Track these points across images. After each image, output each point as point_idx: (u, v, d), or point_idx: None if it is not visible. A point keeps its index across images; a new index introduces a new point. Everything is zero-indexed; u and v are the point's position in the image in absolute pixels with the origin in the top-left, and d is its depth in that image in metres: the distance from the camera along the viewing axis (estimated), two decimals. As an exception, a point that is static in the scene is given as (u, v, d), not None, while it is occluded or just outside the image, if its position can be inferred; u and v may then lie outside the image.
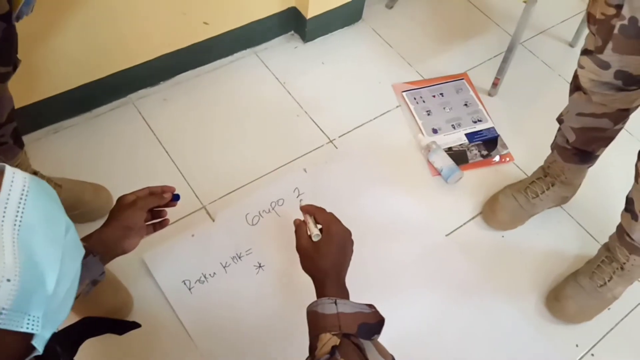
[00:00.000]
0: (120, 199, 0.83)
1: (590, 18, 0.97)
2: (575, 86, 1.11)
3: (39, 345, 0.35)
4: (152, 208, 0.86)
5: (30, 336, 0.35)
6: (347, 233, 0.88)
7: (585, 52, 1.02)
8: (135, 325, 0.66)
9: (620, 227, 1.16)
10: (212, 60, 1.54)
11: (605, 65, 0.98)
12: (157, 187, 0.86)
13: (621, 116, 1.10)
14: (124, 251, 0.81)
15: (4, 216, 0.32)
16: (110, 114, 1.41)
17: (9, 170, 0.34)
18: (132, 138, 1.37)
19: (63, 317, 0.38)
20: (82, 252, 0.42)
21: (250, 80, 1.53)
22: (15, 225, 0.33)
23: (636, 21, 0.88)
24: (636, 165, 1.05)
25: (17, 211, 0.33)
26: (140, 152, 1.34)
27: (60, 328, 0.42)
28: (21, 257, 0.33)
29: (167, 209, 0.91)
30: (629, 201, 1.09)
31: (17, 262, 0.32)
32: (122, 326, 0.65)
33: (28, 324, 0.34)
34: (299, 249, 0.86)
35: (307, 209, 0.91)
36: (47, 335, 0.36)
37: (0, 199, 0.32)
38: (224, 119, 1.44)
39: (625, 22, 0.89)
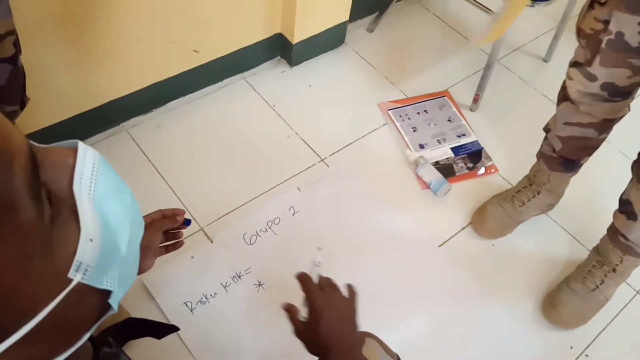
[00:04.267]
0: None
1: (580, 32, 1.03)
2: (563, 96, 1.16)
3: (114, 303, 0.38)
4: (166, 230, 0.87)
5: (106, 296, 0.37)
6: (332, 299, 0.78)
7: (574, 64, 1.08)
8: (174, 329, 0.67)
9: (612, 229, 1.19)
10: (203, 87, 1.58)
11: (592, 78, 1.04)
12: (168, 209, 0.87)
13: (606, 126, 1.16)
14: (140, 271, 0.81)
15: (80, 184, 0.36)
16: (104, 143, 1.43)
17: (81, 145, 0.38)
18: (128, 165, 1.39)
19: (132, 281, 0.42)
20: (143, 222, 0.45)
21: (240, 104, 1.57)
22: (90, 193, 0.36)
23: (622, 35, 0.94)
24: (633, 167, 1.10)
25: (91, 181, 0.36)
26: (136, 178, 1.36)
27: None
28: (99, 221, 0.36)
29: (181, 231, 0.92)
30: (625, 202, 1.13)
31: (97, 224, 0.35)
32: (163, 329, 0.66)
33: (107, 281, 0.36)
34: (297, 334, 0.77)
35: (299, 277, 0.81)
36: (121, 295, 0.39)
37: (77, 170, 0.36)
38: (217, 143, 1.47)
39: (612, 36, 0.95)
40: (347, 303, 0.80)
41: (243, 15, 1.48)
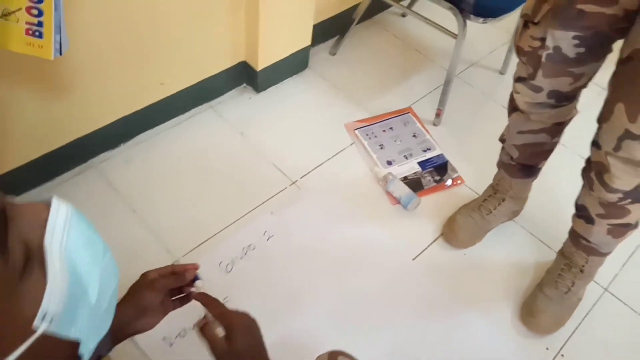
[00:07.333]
0: (142, 276, 0.81)
1: (519, 50, 1.09)
2: (513, 107, 1.22)
3: (85, 352, 0.39)
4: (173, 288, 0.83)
5: (76, 346, 0.39)
6: (246, 317, 0.79)
7: (518, 79, 1.13)
8: None
9: (573, 233, 1.24)
10: (171, 118, 1.59)
11: (538, 89, 1.10)
12: (181, 265, 0.84)
13: (557, 130, 1.22)
14: (137, 331, 0.78)
15: (52, 238, 0.38)
16: (74, 180, 1.42)
17: (55, 200, 0.40)
18: (98, 201, 1.38)
19: (104, 330, 0.43)
20: (118, 271, 0.47)
21: (209, 133, 1.58)
22: (61, 246, 0.38)
23: (560, 49, 1.00)
24: (583, 174, 1.15)
25: (63, 234, 0.39)
26: (107, 214, 1.36)
27: None
28: (68, 272, 0.37)
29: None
30: (580, 207, 1.18)
31: (65, 274, 0.37)
32: None
33: (75, 331, 0.38)
34: (218, 353, 0.73)
35: (202, 299, 0.81)
36: (92, 345, 0.40)
37: (49, 224, 0.38)
38: (187, 173, 1.48)
39: (551, 51, 1.01)
40: (255, 322, 0.79)
41: (207, 45, 1.51)
